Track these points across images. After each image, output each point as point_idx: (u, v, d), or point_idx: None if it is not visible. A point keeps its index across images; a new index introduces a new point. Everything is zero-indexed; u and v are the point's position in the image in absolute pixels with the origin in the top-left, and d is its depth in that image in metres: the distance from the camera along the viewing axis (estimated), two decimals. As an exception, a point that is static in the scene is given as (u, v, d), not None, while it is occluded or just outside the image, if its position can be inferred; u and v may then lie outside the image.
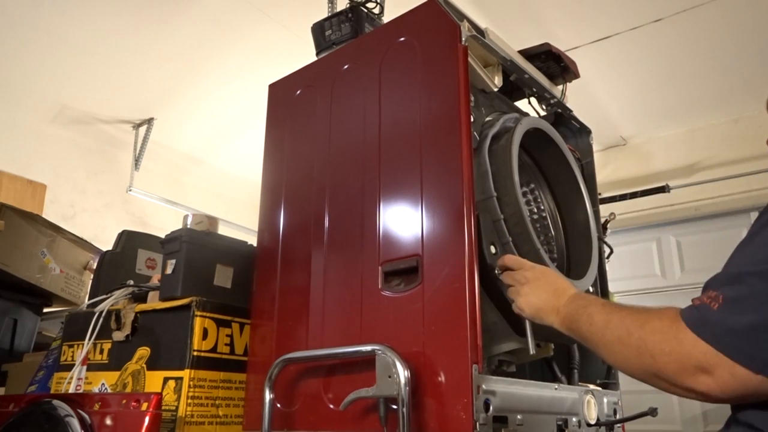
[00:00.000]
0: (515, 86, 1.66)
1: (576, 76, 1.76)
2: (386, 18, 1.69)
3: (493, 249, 1.28)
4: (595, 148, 1.85)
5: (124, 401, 1.32)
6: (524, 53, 1.65)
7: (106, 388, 1.67)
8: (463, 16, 1.41)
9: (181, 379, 1.46)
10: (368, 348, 1.21)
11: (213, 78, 3.85)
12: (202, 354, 1.49)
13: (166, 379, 1.50)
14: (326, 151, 1.55)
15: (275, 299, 1.53)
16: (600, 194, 2.03)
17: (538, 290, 1.16)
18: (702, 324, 0.82)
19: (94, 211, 4.46)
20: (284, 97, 1.73)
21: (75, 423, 1.33)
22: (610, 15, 3.18)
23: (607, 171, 4.46)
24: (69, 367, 1.78)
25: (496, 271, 1.25)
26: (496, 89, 1.50)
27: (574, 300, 1.10)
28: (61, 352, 1.87)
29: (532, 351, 1.21)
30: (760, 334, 0.77)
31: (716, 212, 4.01)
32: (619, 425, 1.56)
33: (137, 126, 4.42)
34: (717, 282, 0.85)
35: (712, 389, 0.80)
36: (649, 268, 4.24)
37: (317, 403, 1.35)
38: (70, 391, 1.70)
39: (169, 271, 1.60)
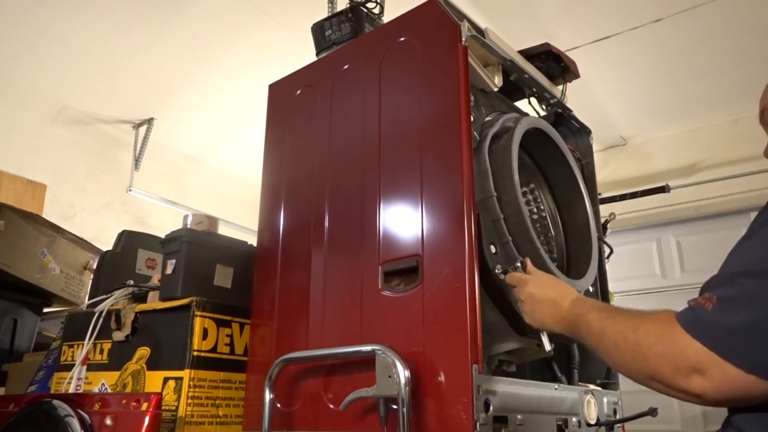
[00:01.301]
0: (515, 86, 1.66)
1: (576, 76, 1.76)
2: (386, 18, 1.69)
3: (493, 249, 1.28)
4: (595, 148, 1.85)
5: (124, 401, 1.32)
6: (524, 53, 1.65)
7: (106, 388, 1.67)
8: (463, 16, 1.41)
9: (181, 379, 1.46)
10: (368, 348, 1.21)
11: (213, 78, 3.85)
12: (202, 354, 1.49)
13: (166, 379, 1.50)
14: (326, 151, 1.55)
15: (275, 299, 1.53)
16: (600, 194, 2.03)
17: (539, 305, 1.19)
18: (696, 324, 0.82)
19: (94, 211, 4.46)
20: (284, 97, 1.73)
21: (75, 423, 1.33)
22: (610, 15, 3.18)
23: (607, 171, 4.46)
24: (69, 367, 1.78)
25: (497, 270, 1.25)
26: (496, 89, 1.50)
27: (573, 308, 1.13)
28: (61, 352, 1.87)
29: (548, 348, 1.26)
30: (753, 333, 0.77)
31: (716, 212, 4.01)
32: (619, 425, 1.56)
33: (137, 126, 4.42)
34: (712, 283, 0.85)
35: (705, 390, 0.80)
36: (649, 268, 4.24)
37: (317, 403, 1.35)
38: (70, 391, 1.70)
39: (169, 271, 1.60)
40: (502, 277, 1.26)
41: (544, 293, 1.19)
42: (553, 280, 1.24)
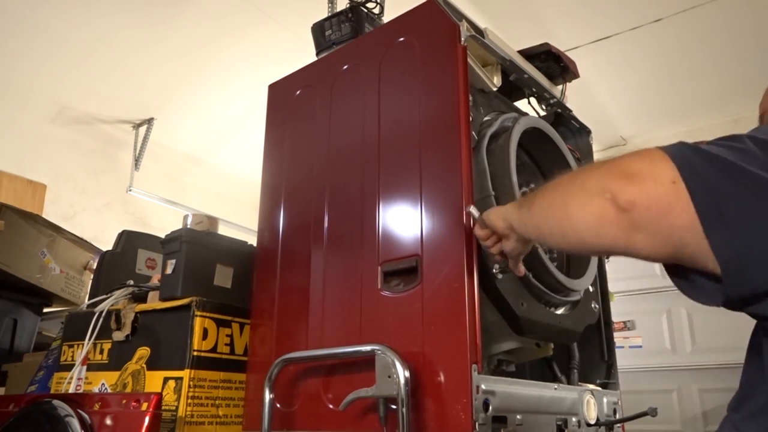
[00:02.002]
0: (515, 86, 1.66)
1: (576, 76, 1.76)
2: (386, 18, 1.69)
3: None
4: (595, 148, 1.85)
5: (124, 401, 1.33)
6: (524, 53, 1.65)
7: (106, 388, 1.67)
8: (462, 16, 1.41)
9: (181, 379, 1.46)
10: (368, 348, 1.21)
11: (213, 78, 3.85)
12: (202, 354, 1.49)
13: (166, 379, 1.50)
14: (326, 151, 1.55)
15: (275, 299, 1.53)
16: (600, 194, 2.02)
17: (491, 215, 1.11)
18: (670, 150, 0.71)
19: (94, 211, 4.46)
20: (284, 97, 1.73)
21: (75, 423, 1.33)
22: (610, 15, 3.18)
23: (607, 171, 4.45)
24: (69, 367, 1.78)
25: (496, 269, 1.25)
26: (495, 89, 1.50)
27: (516, 204, 1.05)
28: (61, 352, 1.88)
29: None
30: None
31: (716, 212, 4.00)
32: (618, 425, 1.56)
33: (137, 126, 4.42)
34: None
35: (639, 198, 0.69)
36: (649, 268, 4.23)
37: (317, 403, 1.35)
38: (70, 391, 1.70)
39: (169, 271, 1.60)
40: (500, 276, 1.26)
41: (495, 220, 1.10)
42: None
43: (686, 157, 0.70)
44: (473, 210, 1.20)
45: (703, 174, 0.68)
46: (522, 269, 1.22)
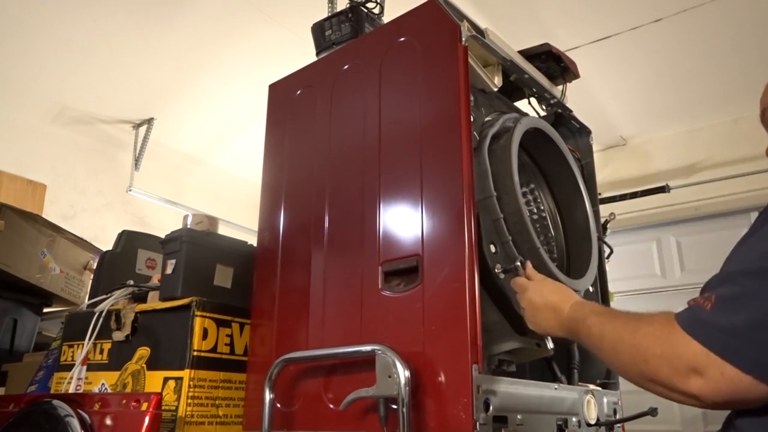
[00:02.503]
0: (515, 86, 1.66)
1: (576, 76, 1.76)
2: (386, 18, 1.69)
3: (492, 248, 1.28)
4: (595, 148, 1.85)
5: (124, 401, 1.32)
6: (524, 53, 1.65)
7: (106, 388, 1.67)
8: (463, 16, 1.41)
9: (181, 379, 1.46)
10: (368, 348, 1.21)
11: (213, 78, 3.85)
12: (202, 354, 1.49)
13: (166, 379, 1.50)
14: (326, 151, 1.55)
15: (275, 299, 1.53)
16: (600, 194, 2.03)
17: (539, 312, 1.20)
18: (694, 324, 0.81)
19: (94, 211, 4.46)
20: (284, 97, 1.73)
21: (75, 423, 1.33)
22: (610, 15, 3.18)
23: (607, 171, 4.46)
24: (69, 367, 1.78)
25: (497, 269, 1.25)
26: (495, 89, 1.50)
27: (572, 313, 1.13)
28: (61, 352, 1.87)
29: (550, 346, 1.30)
30: (752, 333, 0.76)
31: (716, 212, 4.00)
32: (619, 425, 1.56)
33: (137, 126, 4.42)
34: (712, 283, 0.85)
35: (703, 391, 0.79)
36: (649, 268, 4.24)
37: (317, 403, 1.35)
38: (70, 391, 1.70)
39: (169, 271, 1.60)
40: (502, 276, 1.26)
41: (544, 299, 1.19)
42: (552, 284, 1.24)
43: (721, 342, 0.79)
44: (519, 266, 1.27)
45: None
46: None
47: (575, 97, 1.86)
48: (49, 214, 3.24)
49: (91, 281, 2.45)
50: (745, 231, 0.88)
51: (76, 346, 1.81)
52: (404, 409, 1.11)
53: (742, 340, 0.77)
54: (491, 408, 1.12)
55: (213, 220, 1.75)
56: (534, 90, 1.68)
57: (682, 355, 0.81)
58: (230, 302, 1.60)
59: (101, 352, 1.74)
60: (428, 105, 1.34)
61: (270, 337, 1.50)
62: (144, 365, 1.59)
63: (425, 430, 1.14)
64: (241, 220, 4.56)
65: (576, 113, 1.83)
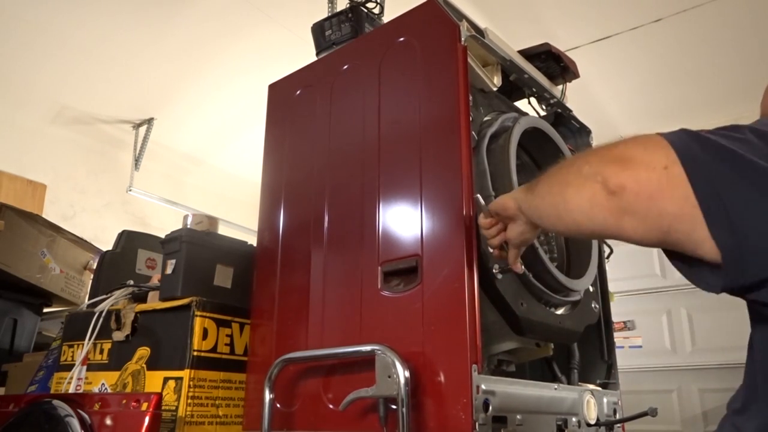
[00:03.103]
0: (515, 86, 1.66)
1: (576, 76, 1.76)
2: (386, 18, 1.69)
3: (491, 248, 1.27)
4: (595, 147, 1.85)
5: (124, 401, 1.33)
6: (524, 53, 1.65)
7: (106, 388, 1.67)
8: (462, 16, 1.41)
9: (181, 379, 1.46)
10: (368, 348, 1.21)
11: (213, 78, 3.85)
12: (202, 354, 1.49)
13: (166, 379, 1.50)
14: (326, 151, 1.55)
15: (275, 299, 1.53)
16: (600, 194, 2.02)
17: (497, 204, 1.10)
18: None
19: (94, 211, 4.46)
20: (284, 97, 1.73)
21: (75, 423, 1.33)
22: (610, 15, 3.18)
23: (608, 171, 4.45)
24: (69, 367, 1.78)
25: (496, 269, 1.25)
26: (495, 89, 1.50)
27: (524, 188, 1.04)
28: (61, 352, 1.88)
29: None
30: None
31: (716, 212, 3.99)
32: (618, 425, 1.56)
33: (137, 126, 4.42)
34: None
35: (629, 183, 0.70)
36: (649, 268, 4.23)
37: (317, 403, 1.35)
38: (70, 391, 1.70)
39: (169, 271, 1.60)
40: (500, 276, 1.26)
41: (502, 209, 1.09)
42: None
43: (686, 144, 0.71)
44: (479, 198, 1.20)
45: (703, 161, 0.68)
46: (520, 266, 1.21)
47: (575, 97, 1.86)
48: (49, 214, 3.25)
49: (91, 281, 2.45)
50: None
51: (76, 346, 1.81)
52: (404, 409, 1.11)
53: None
54: (491, 408, 1.12)
55: (213, 220, 1.75)
56: (534, 90, 1.68)
57: (615, 149, 0.74)
58: (230, 302, 1.60)
59: (101, 352, 1.74)
60: (427, 105, 1.34)
61: (270, 337, 1.50)
62: (144, 365, 1.59)
63: (425, 430, 1.14)
64: (241, 220, 4.56)
65: (576, 113, 1.83)
